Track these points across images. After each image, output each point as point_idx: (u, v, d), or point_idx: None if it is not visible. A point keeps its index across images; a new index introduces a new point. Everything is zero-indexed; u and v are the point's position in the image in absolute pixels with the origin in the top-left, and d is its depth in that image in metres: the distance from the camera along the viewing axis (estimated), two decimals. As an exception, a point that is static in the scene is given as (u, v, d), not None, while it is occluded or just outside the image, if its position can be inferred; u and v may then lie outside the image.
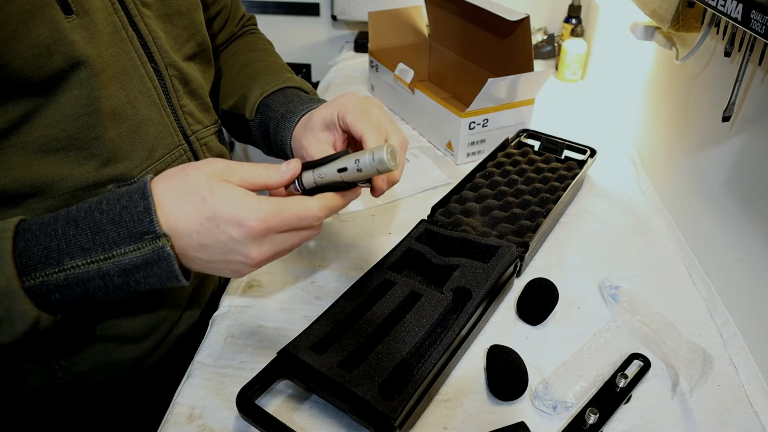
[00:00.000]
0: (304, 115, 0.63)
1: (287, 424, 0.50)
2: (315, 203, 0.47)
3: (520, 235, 0.76)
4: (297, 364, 0.55)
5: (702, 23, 0.73)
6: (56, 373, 0.59)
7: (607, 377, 0.59)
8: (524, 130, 1.00)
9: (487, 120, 0.99)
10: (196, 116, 0.65)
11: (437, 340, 0.59)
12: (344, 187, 0.50)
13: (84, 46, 0.50)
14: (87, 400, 0.63)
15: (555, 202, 0.80)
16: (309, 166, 0.50)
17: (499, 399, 0.58)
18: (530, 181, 0.87)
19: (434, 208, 0.80)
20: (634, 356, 0.62)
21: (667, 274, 0.76)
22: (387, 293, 0.63)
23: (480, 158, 1.02)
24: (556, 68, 1.43)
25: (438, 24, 1.24)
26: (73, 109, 0.51)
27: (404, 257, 0.70)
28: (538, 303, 0.67)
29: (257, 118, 0.69)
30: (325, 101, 0.63)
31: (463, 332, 0.60)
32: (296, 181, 0.50)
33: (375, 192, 0.55)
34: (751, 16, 0.50)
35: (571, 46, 1.34)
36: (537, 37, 1.53)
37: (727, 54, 0.65)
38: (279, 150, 0.67)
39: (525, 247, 0.71)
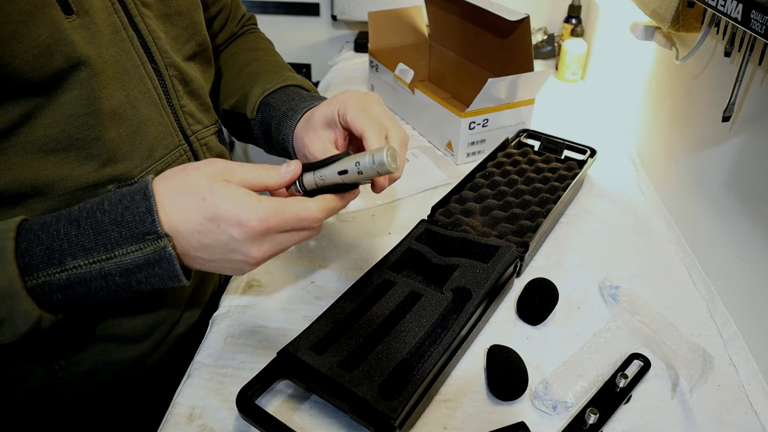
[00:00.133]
0: (305, 113, 0.63)
1: (287, 424, 0.50)
2: (315, 205, 0.48)
3: (520, 235, 0.76)
4: (297, 364, 0.55)
5: (702, 23, 0.73)
6: (56, 373, 0.59)
7: (607, 377, 0.59)
8: (524, 130, 1.00)
9: (487, 120, 0.99)
10: (196, 116, 0.65)
11: (437, 340, 0.59)
12: (345, 188, 0.50)
13: (84, 47, 0.50)
14: (87, 400, 0.63)
15: (555, 202, 0.80)
16: (309, 167, 0.50)
17: (499, 399, 0.58)
18: (530, 181, 0.87)
19: (434, 208, 0.80)
20: (634, 356, 0.62)
21: (667, 274, 0.76)
22: (387, 293, 0.63)
23: (480, 158, 1.02)
24: (556, 68, 1.43)
25: (438, 24, 1.24)
26: (74, 109, 0.51)
27: (404, 257, 0.70)
28: (538, 303, 0.67)
29: (258, 117, 0.69)
30: (326, 98, 0.63)
31: (463, 332, 0.60)
32: (297, 182, 0.50)
33: (375, 188, 0.55)
34: (751, 16, 0.50)
35: (571, 46, 1.34)
36: (537, 37, 1.53)
37: (727, 54, 0.65)
38: (281, 148, 0.67)
39: (525, 247, 0.71)
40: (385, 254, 0.70)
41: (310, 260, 0.76)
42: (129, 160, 0.57)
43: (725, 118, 0.66)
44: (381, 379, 0.53)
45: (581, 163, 0.91)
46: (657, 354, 0.63)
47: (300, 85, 0.70)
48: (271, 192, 0.51)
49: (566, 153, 0.94)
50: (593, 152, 0.92)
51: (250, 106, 0.69)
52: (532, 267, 0.76)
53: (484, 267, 0.66)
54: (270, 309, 0.68)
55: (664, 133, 0.92)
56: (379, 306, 0.61)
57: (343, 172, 0.48)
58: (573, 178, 0.86)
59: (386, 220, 0.85)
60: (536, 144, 0.97)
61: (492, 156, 0.92)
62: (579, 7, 1.39)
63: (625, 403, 0.58)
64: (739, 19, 0.52)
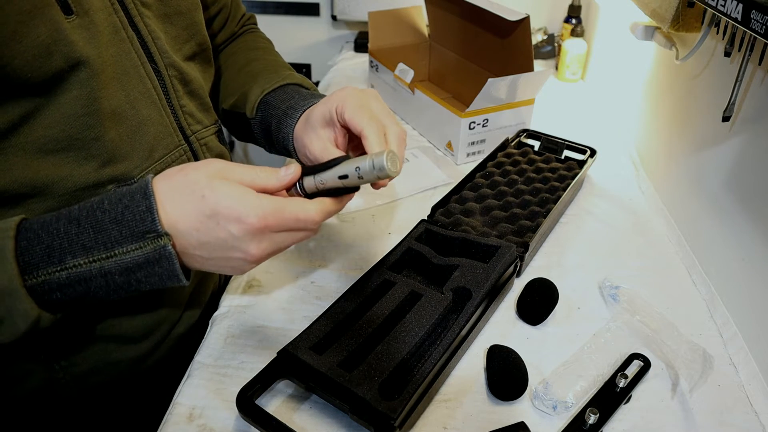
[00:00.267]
0: (304, 111, 0.63)
1: (287, 424, 0.50)
2: (314, 207, 0.48)
3: (520, 235, 0.76)
4: (297, 364, 0.55)
5: (702, 23, 0.73)
6: (56, 373, 0.59)
7: (607, 377, 0.59)
8: (524, 130, 1.00)
9: (487, 120, 0.99)
10: (196, 116, 0.65)
11: (437, 340, 0.59)
12: (345, 191, 0.51)
13: (84, 47, 0.50)
14: (87, 400, 0.63)
15: (555, 202, 0.80)
16: (309, 170, 0.50)
17: (499, 399, 0.58)
18: (530, 181, 0.87)
19: (434, 208, 0.80)
20: (634, 356, 0.62)
21: (667, 274, 0.76)
22: (387, 293, 0.63)
23: (480, 158, 1.02)
24: (556, 68, 1.43)
25: (438, 24, 1.24)
26: (73, 109, 0.51)
27: (404, 257, 0.70)
28: (538, 303, 0.67)
29: (258, 117, 0.69)
30: (325, 96, 0.63)
31: (463, 332, 0.60)
32: (297, 185, 0.51)
33: (375, 186, 0.56)
34: (751, 16, 0.50)
35: (571, 46, 1.34)
36: (537, 37, 1.53)
37: (727, 54, 0.65)
38: (281, 147, 0.67)
39: (525, 247, 0.71)
40: (385, 254, 0.70)
41: (310, 260, 0.76)
42: (129, 160, 0.57)
43: (725, 118, 0.66)
44: (381, 379, 0.53)
45: (581, 163, 0.91)
46: (657, 354, 0.63)
47: (299, 84, 0.70)
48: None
49: (566, 153, 0.94)
50: (593, 152, 0.92)
51: (250, 106, 0.69)
52: (532, 267, 0.76)
53: (484, 267, 0.66)
54: (270, 309, 0.68)
55: (664, 133, 0.92)
56: (379, 306, 0.61)
57: (344, 177, 0.49)
58: (573, 178, 0.86)
59: (386, 220, 0.85)
60: (536, 144, 0.97)
61: (492, 156, 0.92)
62: (579, 7, 1.39)
63: (625, 403, 0.58)
64: (739, 19, 0.52)
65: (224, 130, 0.76)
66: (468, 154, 1.02)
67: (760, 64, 0.63)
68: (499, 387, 0.57)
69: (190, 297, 0.69)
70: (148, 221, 0.44)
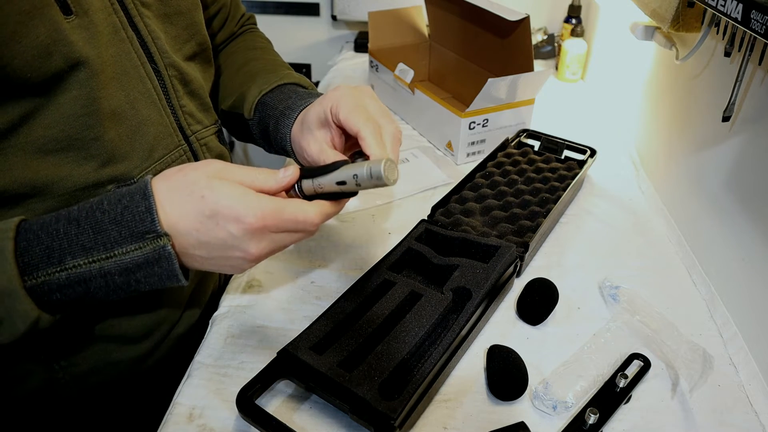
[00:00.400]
0: (301, 111, 0.63)
1: (287, 424, 0.50)
2: (313, 209, 0.48)
3: (520, 235, 0.76)
4: (297, 364, 0.55)
5: (702, 23, 0.73)
6: (56, 373, 0.59)
7: (607, 377, 0.59)
8: (524, 130, 1.00)
9: (487, 120, 0.99)
10: (196, 116, 0.65)
11: (437, 340, 0.59)
12: (343, 195, 0.51)
13: (83, 47, 0.50)
14: (87, 400, 0.63)
15: (555, 202, 0.80)
16: (307, 172, 0.51)
17: (499, 399, 0.58)
18: (530, 181, 0.87)
19: (434, 208, 0.80)
20: (634, 356, 0.62)
21: (667, 274, 0.76)
22: (387, 293, 0.63)
23: (480, 158, 1.02)
24: (556, 68, 1.43)
25: (438, 24, 1.24)
26: (73, 109, 0.51)
27: (404, 257, 0.70)
28: (538, 303, 0.67)
29: (256, 117, 0.69)
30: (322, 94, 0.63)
31: (463, 332, 0.60)
32: (296, 187, 0.51)
33: None
34: (751, 16, 0.50)
35: (571, 46, 1.34)
36: (537, 37, 1.53)
37: (727, 54, 0.65)
38: (279, 148, 0.67)
39: (525, 247, 0.71)
40: (385, 254, 0.70)
41: (310, 260, 0.76)
42: (128, 160, 0.57)
43: (725, 118, 0.66)
44: (381, 379, 0.53)
45: (581, 163, 0.91)
46: (657, 354, 0.63)
47: (297, 83, 0.70)
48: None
49: (566, 153, 0.94)
50: (593, 152, 0.92)
51: (248, 106, 0.69)
52: (532, 267, 0.76)
53: (484, 267, 0.66)
54: (270, 309, 0.68)
55: (664, 133, 0.92)
56: (379, 306, 0.61)
57: (342, 183, 0.49)
58: (573, 178, 0.86)
59: (386, 220, 0.85)
60: (536, 144, 0.97)
61: (492, 156, 0.92)
62: (579, 7, 1.39)
63: (625, 403, 0.58)
64: (739, 19, 0.52)
65: (224, 130, 0.76)
66: (468, 154, 1.01)
67: (760, 64, 0.63)
68: (499, 387, 0.57)
69: (190, 297, 0.69)
70: (148, 222, 0.44)
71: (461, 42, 1.18)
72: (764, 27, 0.49)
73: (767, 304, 0.61)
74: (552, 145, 0.95)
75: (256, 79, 0.70)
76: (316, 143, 0.57)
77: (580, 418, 0.55)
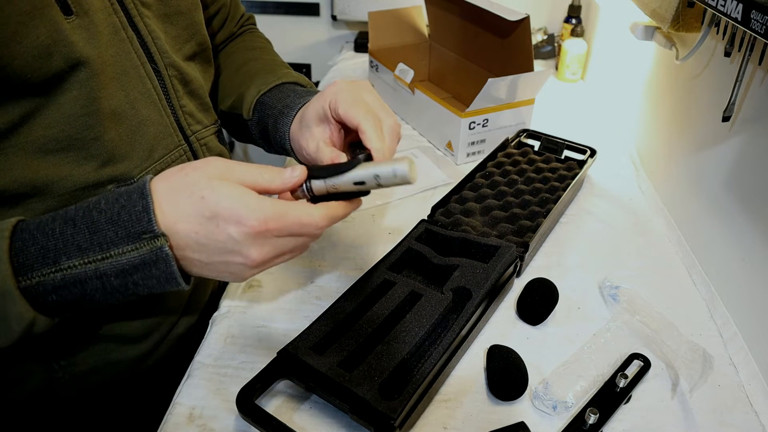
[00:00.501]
0: (299, 109, 0.62)
1: (287, 424, 0.50)
2: (318, 212, 0.46)
3: (520, 235, 0.76)
4: (297, 364, 0.55)
5: (702, 23, 0.73)
6: (56, 373, 0.59)
7: (607, 377, 0.59)
8: (524, 130, 1.00)
9: (487, 120, 0.99)
10: (196, 116, 0.65)
11: (437, 340, 0.59)
12: (355, 195, 0.50)
13: (84, 47, 0.50)
14: (87, 400, 0.63)
15: (555, 202, 0.80)
16: (319, 173, 0.49)
17: (499, 399, 0.58)
18: (530, 181, 0.87)
19: (434, 208, 0.80)
20: (634, 356, 0.62)
21: (667, 274, 0.76)
22: (387, 293, 0.63)
23: (480, 158, 1.02)
24: (556, 68, 1.43)
25: (438, 24, 1.24)
26: (73, 109, 0.51)
27: (404, 257, 0.70)
28: (538, 303, 0.67)
29: (255, 118, 0.69)
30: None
31: (463, 332, 0.60)
32: (305, 187, 0.49)
33: None
34: (751, 16, 0.50)
35: (571, 46, 1.34)
36: (537, 37, 1.53)
37: (727, 54, 0.65)
38: (279, 147, 0.67)
39: (525, 247, 0.71)
40: (385, 254, 0.70)
41: (310, 260, 0.76)
42: (128, 160, 0.57)
43: (725, 118, 0.66)
44: (381, 379, 0.53)
45: (581, 163, 0.91)
46: (657, 354, 0.63)
47: (295, 82, 0.70)
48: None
49: (566, 153, 0.94)
50: (593, 152, 0.92)
51: (246, 107, 0.68)
52: (532, 267, 0.76)
53: (484, 267, 0.66)
54: (270, 309, 0.68)
55: (664, 133, 0.92)
56: (379, 306, 0.61)
57: (360, 183, 0.48)
58: (573, 178, 0.86)
59: (386, 220, 0.85)
60: (536, 144, 0.97)
61: (492, 156, 0.92)
62: (579, 7, 1.39)
63: (625, 403, 0.58)
64: (739, 19, 0.52)
65: (224, 130, 0.76)
66: (468, 154, 1.01)
67: (760, 64, 0.63)
68: (499, 387, 0.57)
69: (189, 297, 0.69)
70: (144, 221, 0.43)
71: (461, 42, 1.18)
72: (764, 27, 0.49)
73: (767, 304, 0.61)
74: (552, 145, 0.95)
75: (254, 79, 0.70)
76: (314, 141, 0.57)
77: (580, 418, 0.55)
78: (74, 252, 0.43)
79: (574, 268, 0.76)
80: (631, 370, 0.60)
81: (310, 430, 0.54)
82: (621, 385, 0.58)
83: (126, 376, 0.64)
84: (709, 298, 0.71)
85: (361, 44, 1.62)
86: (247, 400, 0.52)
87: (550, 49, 1.51)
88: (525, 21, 0.94)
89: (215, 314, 0.68)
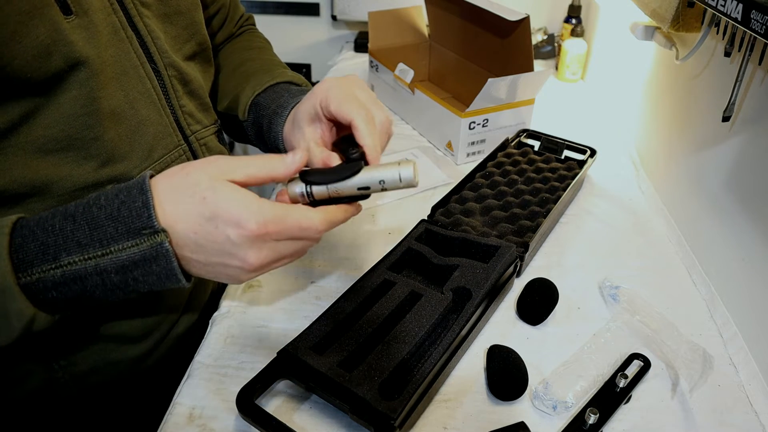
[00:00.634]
0: (292, 108, 0.62)
1: (287, 424, 0.50)
2: (318, 216, 0.47)
3: (520, 235, 0.76)
4: (297, 364, 0.55)
5: (702, 23, 0.73)
6: (56, 373, 0.59)
7: (607, 377, 0.59)
8: (524, 130, 1.00)
9: (487, 120, 0.99)
10: (196, 116, 0.65)
11: (437, 340, 0.59)
12: (355, 198, 0.50)
13: (83, 47, 0.50)
14: (87, 400, 0.63)
15: (555, 202, 0.80)
16: (318, 178, 0.49)
17: (499, 399, 0.58)
18: (530, 181, 0.87)
19: (434, 208, 0.80)
20: (634, 356, 0.62)
21: (667, 274, 0.76)
22: (387, 293, 0.63)
23: (480, 158, 1.02)
24: (556, 68, 1.43)
25: (438, 24, 1.24)
26: (73, 109, 0.51)
27: (404, 257, 0.70)
28: (538, 303, 0.67)
29: (250, 118, 0.69)
30: None
31: (463, 332, 0.60)
32: (305, 192, 0.49)
33: None
34: (751, 16, 0.50)
35: (571, 46, 1.34)
36: (537, 37, 1.53)
37: (727, 54, 0.65)
38: (274, 147, 0.67)
39: (525, 247, 0.71)
40: (385, 254, 0.70)
41: (310, 260, 0.76)
42: (128, 160, 0.57)
43: (725, 118, 0.66)
44: (381, 379, 0.53)
45: (581, 163, 0.91)
46: (657, 354, 0.63)
47: (290, 81, 0.69)
48: (276, 197, 0.50)
49: (566, 153, 0.94)
50: (593, 152, 0.92)
51: (242, 108, 0.68)
52: (532, 267, 0.76)
53: (484, 267, 0.66)
54: (270, 309, 0.68)
55: (664, 133, 0.92)
56: (379, 306, 0.61)
57: (364, 188, 0.48)
58: (573, 178, 0.86)
59: (386, 220, 0.85)
60: (536, 144, 0.97)
61: (492, 156, 0.92)
62: (579, 7, 1.39)
63: (625, 403, 0.58)
64: (739, 19, 0.52)
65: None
66: (468, 154, 1.01)
67: (760, 64, 0.63)
68: (499, 387, 0.57)
69: (189, 297, 0.69)
70: (144, 217, 0.43)
71: (461, 42, 1.18)
72: (764, 27, 0.49)
73: (767, 304, 0.61)
74: (552, 145, 0.95)
75: (250, 80, 0.70)
76: (304, 141, 0.57)
77: (580, 418, 0.55)
78: (74, 248, 0.43)
79: (574, 268, 0.76)
80: (631, 370, 0.60)
81: (310, 430, 0.54)
82: (621, 385, 0.58)
83: (126, 376, 0.64)
84: (709, 298, 0.71)
85: (361, 44, 1.62)
86: (247, 400, 0.52)
87: (550, 49, 1.51)
88: (525, 21, 0.94)
89: (215, 314, 0.68)
